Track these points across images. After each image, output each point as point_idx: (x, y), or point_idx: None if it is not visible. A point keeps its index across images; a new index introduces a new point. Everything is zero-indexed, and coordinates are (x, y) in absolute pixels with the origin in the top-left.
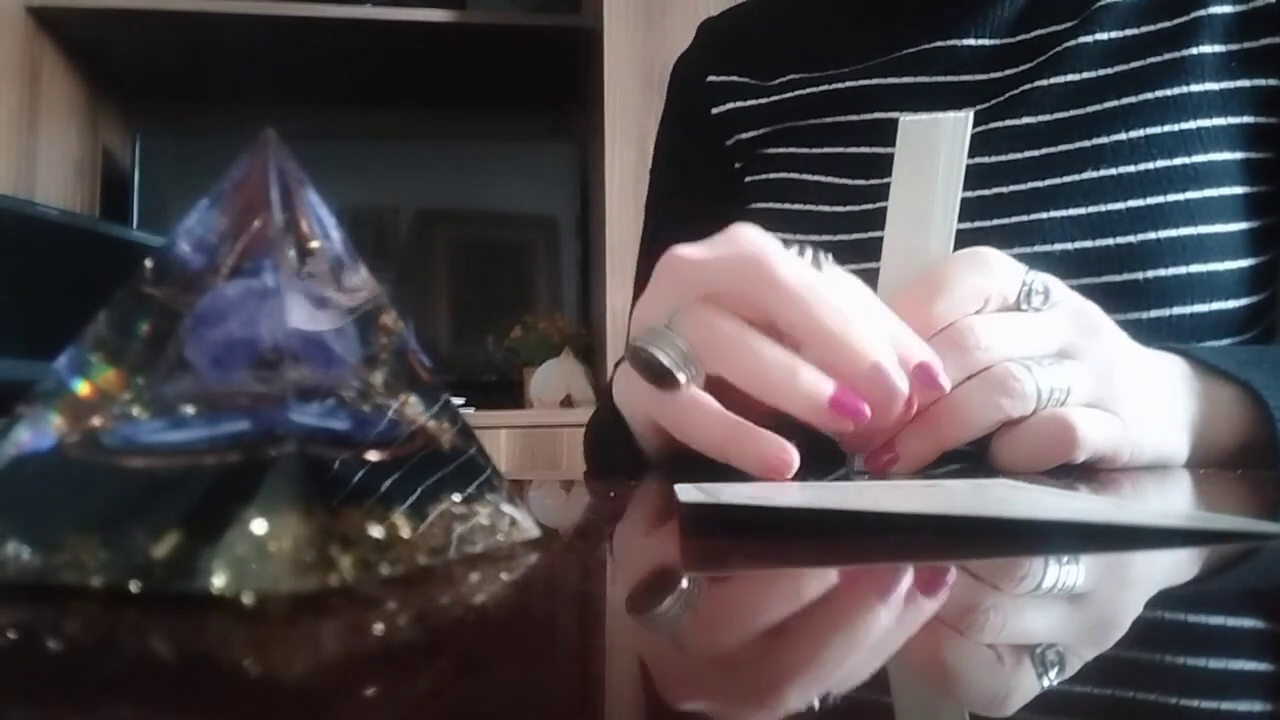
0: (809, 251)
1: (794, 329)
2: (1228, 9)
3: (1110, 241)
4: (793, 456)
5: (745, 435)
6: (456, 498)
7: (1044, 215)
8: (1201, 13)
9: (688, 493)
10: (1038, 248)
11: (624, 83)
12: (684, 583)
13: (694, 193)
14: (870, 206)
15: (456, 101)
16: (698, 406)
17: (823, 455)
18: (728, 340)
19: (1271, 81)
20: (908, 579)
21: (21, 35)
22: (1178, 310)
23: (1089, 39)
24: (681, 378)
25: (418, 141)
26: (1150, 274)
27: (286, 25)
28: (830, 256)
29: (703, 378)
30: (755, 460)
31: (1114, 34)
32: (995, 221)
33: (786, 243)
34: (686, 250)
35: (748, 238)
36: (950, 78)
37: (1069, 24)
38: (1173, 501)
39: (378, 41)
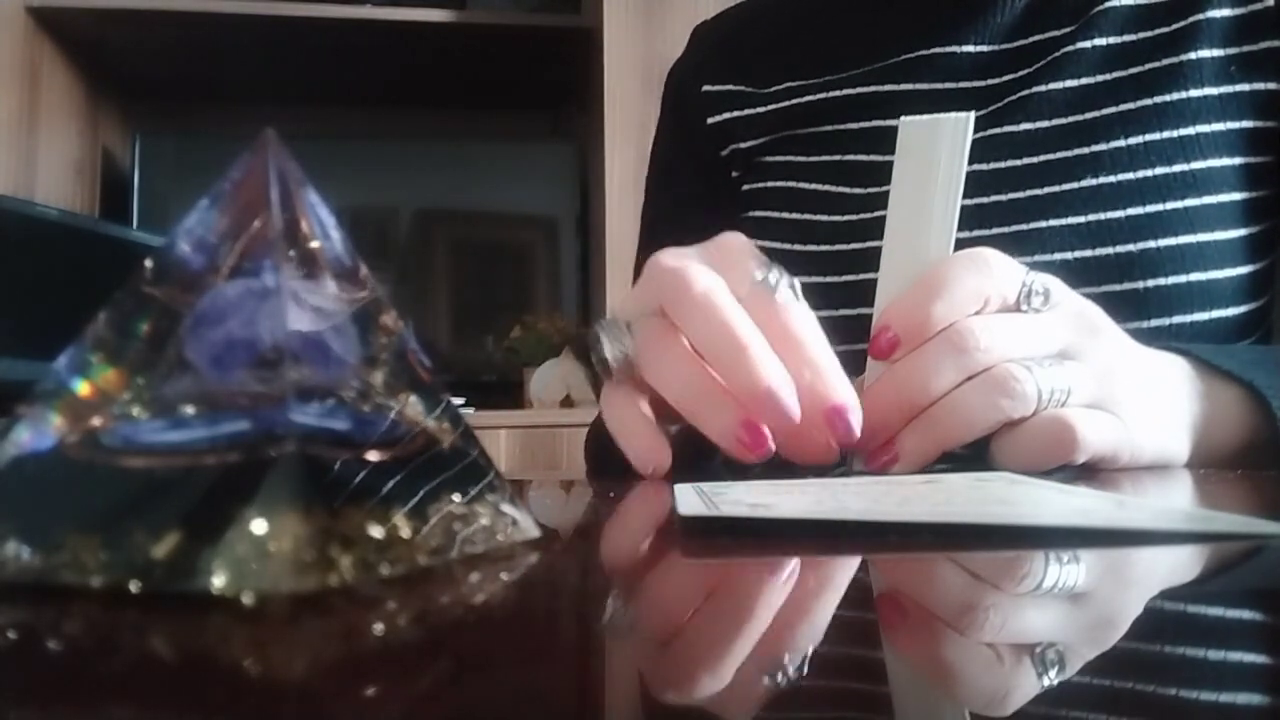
0: (774, 274)
1: (698, 347)
2: (1226, 12)
3: (1110, 250)
4: (661, 459)
5: (631, 433)
6: (457, 498)
7: (1044, 224)
8: (1200, 17)
9: (686, 501)
10: (1038, 256)
11: (624, 83)
12: (683, 582)
13: (689, 202)
14: (869, 215)
15: (456, 101)
16: (614, 397)
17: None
18: (659, 357)
19: (1271, 85)
20: (908, 578)
21: (21, 35)
22: (1178, 319)
23: (1088, 44)
24: (613, 370)
25: (418, 141)
26: (1150, 283)
27: (286, 25)
28: (797, 284)
29: (638, 379)
30: (631, 455)
31: (1113, 39)
32: (995, 230)
33: (768, 260)
34: (667, 256)
35: (722, 247)
36: (949, 84)
37: (1068, 29)
38: (1173, 501)
39: (378, 41)
